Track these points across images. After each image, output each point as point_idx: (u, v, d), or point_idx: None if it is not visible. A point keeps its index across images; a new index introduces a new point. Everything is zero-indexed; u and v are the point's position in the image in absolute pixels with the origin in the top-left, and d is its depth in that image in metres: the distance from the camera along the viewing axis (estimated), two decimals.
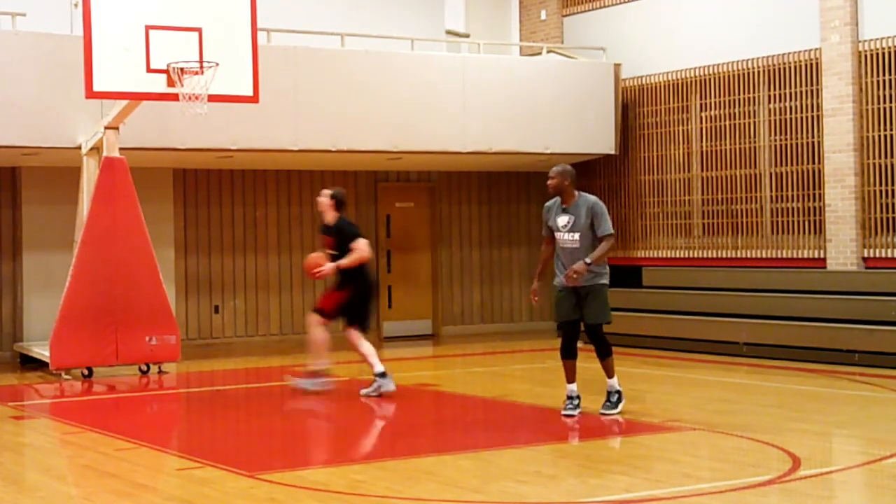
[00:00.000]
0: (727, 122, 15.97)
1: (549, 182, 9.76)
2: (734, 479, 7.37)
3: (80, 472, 8.25)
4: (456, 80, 16.00)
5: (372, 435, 9.84)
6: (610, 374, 9.89)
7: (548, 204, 9.91)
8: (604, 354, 9.85)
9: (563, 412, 9.88)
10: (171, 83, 11.85)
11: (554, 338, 17.28)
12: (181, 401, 12.47)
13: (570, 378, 9.90)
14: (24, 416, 11.09)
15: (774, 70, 15.38)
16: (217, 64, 11.83)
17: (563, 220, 9.71)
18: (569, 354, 9.85)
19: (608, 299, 9.79)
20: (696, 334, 14.94)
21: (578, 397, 9.92)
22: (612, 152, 17.16)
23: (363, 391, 11.29)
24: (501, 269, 18.60)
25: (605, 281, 9.76)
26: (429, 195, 18.21)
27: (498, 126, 16.16)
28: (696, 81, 16.38)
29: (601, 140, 17.01)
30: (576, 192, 9.76)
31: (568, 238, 9.67)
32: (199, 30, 11.96)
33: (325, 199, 11.46)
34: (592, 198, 9.79)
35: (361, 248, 11.19)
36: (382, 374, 11.27)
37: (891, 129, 14.18)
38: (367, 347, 11.36)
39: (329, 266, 11.24)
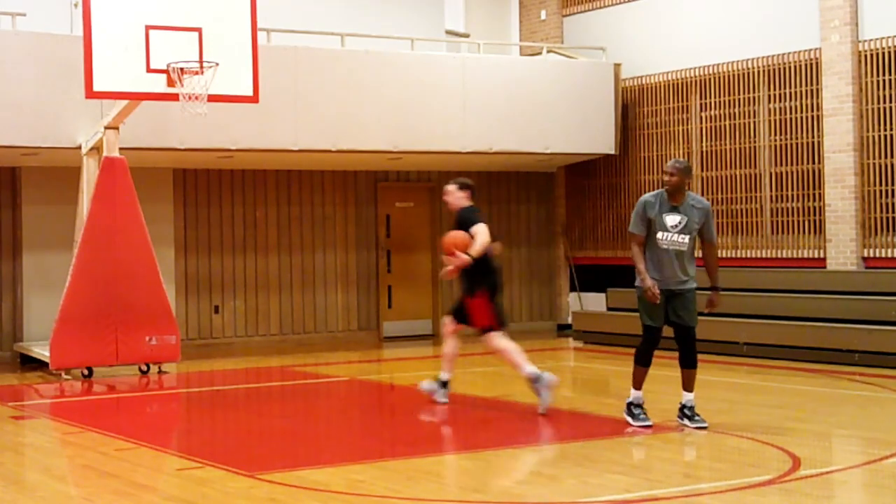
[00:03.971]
0: (727, 122, 15.97)
1: (668, 178, 9.05)
2: (734, 479, 7.37)
3: (80, 472, 8.25)
4: (456, 80, 16.00)
5: (372, 435, 9.84)
6: (689, 388, 9.30)
7: (649, 199, 9.19)
8: (692, 363, 9.33)
9: (640, 425, 9.28)
10: (171, 83, 11.85)
11: (554, 338, 17.35)
12: (181, 401, 12.47)
13: (639, 385, 9.41)
14: (24, 416, 11.08)
15: (774, 70, 15.38)
16: (217, 64, 11.83)
17: (673, 219, 9.10)
18: (648, 362, 9.36)
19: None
20: (697, 334, 14.91)
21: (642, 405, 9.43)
22: (612, 152, 17.16)
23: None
24: (501, 270, 18.55)
25: (696, 284, 9.32)
26: (429, 195, 18.20)
27: (498, 126, 16.16)
28: (696, 81, 16.38)
29: (601, 140, 17.01)
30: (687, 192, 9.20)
31: (678, 239, 9.14)
32: (199, 30, 11.96)
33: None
34: (706, 201, 9.33)
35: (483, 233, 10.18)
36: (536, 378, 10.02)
37: (891, 129, 14.18)
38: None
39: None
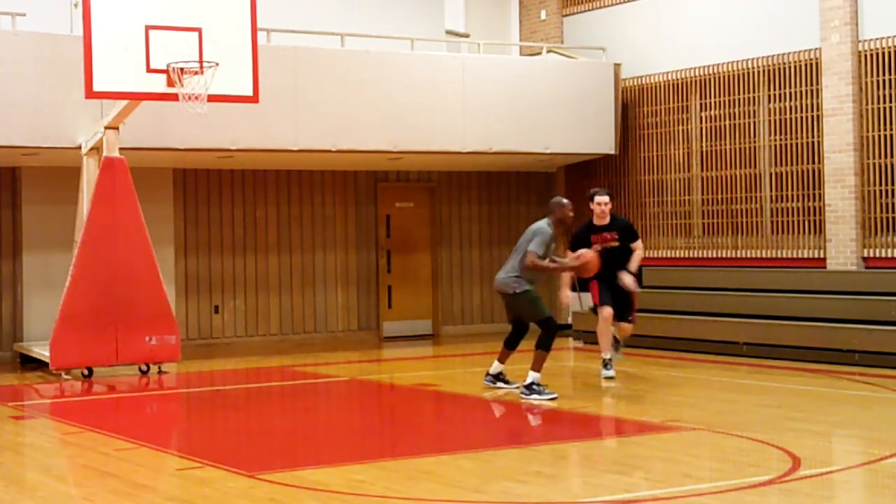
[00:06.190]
0: (727, 122, 15.97)
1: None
2: (734, 479, 7.37)
3: (80, 472, 8.25)
4: (456, 80, 16.00)
5: (372, 435, 9.84)
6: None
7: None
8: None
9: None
10: (171, 83, 11.85)
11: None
12: (181, 401, 12.47)
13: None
14: (24, 416, 11.09)
15: (774, 70, 15.38)
16: (217, 64, 11.83)
17: None
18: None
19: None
20: (696, 334, 14.95)
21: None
22: (612, 152, 17.16)
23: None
24: None
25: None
26: (429, 195, 18.21)
27: (498, 126, 16.16)
28: (696, 81, 16.38)
29: (601, 140, 17.01)
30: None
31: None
32: (199, 30, 11.95)
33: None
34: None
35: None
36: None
37: (891, 129, 14.18)
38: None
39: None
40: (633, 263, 12.05)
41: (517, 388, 11.11)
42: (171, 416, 11.40)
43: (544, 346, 10.90)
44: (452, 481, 7.45)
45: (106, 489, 7.48)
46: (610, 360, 12.12)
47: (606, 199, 12.11)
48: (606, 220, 12.12)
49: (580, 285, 12.03)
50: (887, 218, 14.23)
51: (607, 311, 11.91)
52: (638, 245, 12.16)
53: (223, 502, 7.01)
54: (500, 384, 11.45)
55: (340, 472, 7.76)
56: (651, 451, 8.56)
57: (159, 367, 13.44)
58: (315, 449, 9.04)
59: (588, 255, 11.24)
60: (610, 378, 11.98)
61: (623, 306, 12.00)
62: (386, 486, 7.29)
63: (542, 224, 11.11)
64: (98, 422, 10.23)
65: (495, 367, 11.51)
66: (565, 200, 11.37)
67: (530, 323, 11.29)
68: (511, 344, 11.42)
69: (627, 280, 11.90)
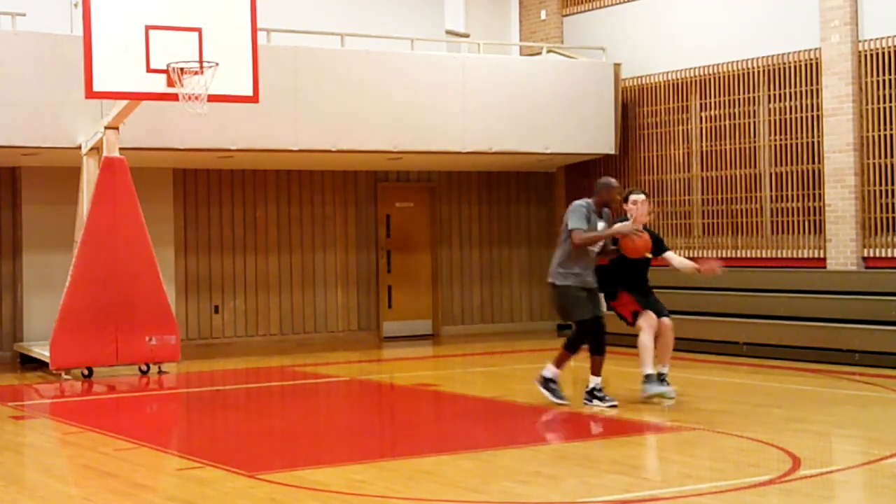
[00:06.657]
0: (727, 122, 15.97)
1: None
2: (734, 479, 7.37)
3: (80, 472, 8.25)
4: (456, 80, 16.00)
5: (372, 435, 9.84)
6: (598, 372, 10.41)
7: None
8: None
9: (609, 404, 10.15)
10: (171, 83, 11.85)
11: (554, 338, 17.32)
12: (181, 401, 12.47)
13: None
14: (24, 416, 11.09)
15: (774, 70, 15.38)
16: (217, 64, 11.83)
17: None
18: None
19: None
20: (697, 334, 14.93)
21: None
22: (612, 152, 17.16)
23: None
24: (501, 269, 18.60)
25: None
26: (429, 195, 18.20)
27: (498, 126, 16.17)
28: (696, 81, 16.38)
29: (601, 140, 17.01)
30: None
31: None
32: (199, 30, 11.96)
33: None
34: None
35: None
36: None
37: (891, 129, 14.18)
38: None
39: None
40: (685, 261, 10.93)
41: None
42: (171, 416, 11.40)
43: (571, 347, 10.20)
44: (452, 481, 7.45)
45: (106, 489, 7.48)
46: (661, 374, 10.50)
47: (643, 197, 10.80)
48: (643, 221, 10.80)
49: (606, 297, 10.89)
50: (887, 218, 14.23)
51: (651, 317, 10.44)
52: (671, 253, 10.93)
53: (223, 502, 7.01)
54: (595, 402, 10.18)
55: (340, 472, 7.76)
56: (651, 451, 8.56)
57: (159, 367, 13.44)
58: (315, 449, 9.04)
59: (645, 234, 10.29)
60: (669, 397, 10.37)
61: (658, 305, 10.62)
62: (386, 486, 7.29)
63: (579, 201, 10.22)
64: (98, 422, 10.23)
65: (592, 381, 10.27)
66: (614, 182, 10.35)
67: (602, 321, 10.29)
68: (596, 349, 10.23)
69: (714, 264, 10.59)
